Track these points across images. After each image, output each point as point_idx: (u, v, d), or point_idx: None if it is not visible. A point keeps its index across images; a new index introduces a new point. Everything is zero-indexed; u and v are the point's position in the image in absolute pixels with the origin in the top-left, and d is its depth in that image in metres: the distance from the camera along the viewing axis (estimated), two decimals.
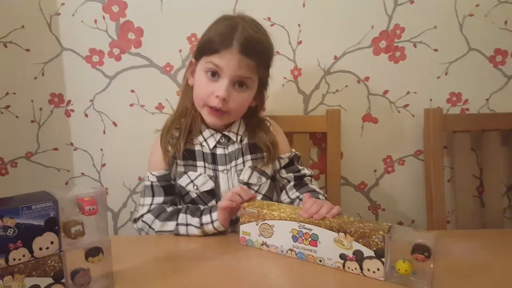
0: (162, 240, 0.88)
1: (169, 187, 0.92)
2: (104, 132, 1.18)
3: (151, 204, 0.89)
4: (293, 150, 1.01)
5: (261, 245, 0.79)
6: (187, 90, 0.94)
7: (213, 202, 0.91)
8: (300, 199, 0.94)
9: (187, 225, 0.85)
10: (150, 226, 0.87)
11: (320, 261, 0.72)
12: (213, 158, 0.92)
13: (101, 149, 1.20)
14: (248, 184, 0.91)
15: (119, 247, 0.68)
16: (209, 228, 0.84)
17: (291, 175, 0.97)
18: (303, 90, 1.18)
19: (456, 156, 1.16)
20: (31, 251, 0.57)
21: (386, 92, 1.18)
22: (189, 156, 0.92)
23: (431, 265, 0.61)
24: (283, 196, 0.98)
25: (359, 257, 0.67)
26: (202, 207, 0.88)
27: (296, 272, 0.71)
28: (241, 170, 0.92)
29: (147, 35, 1.13)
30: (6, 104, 1.16)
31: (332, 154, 1.15)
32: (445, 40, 1.15)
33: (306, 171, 0.99)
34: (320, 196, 0.93)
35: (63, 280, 0.60)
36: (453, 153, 1.16)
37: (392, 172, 1.23)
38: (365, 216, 1.25)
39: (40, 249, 0.57)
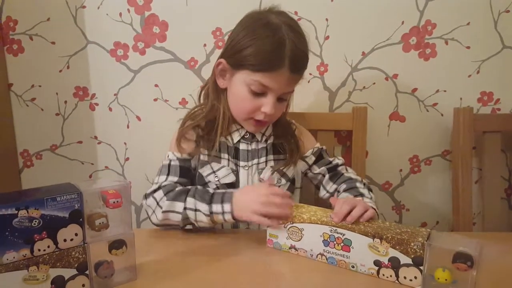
0: (184, 234, 0.88)
1: (185, 170, 0.89)
2: (128, 127, 1.18)
3: (164, 181, 0.86)
4: (318, 144, 0.99)
5: (289, 248, 0.77)
6: (216, 91, 0.89)
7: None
8: (339, 191, 0.92)
9: (195, 210, 0.80)
10: (158, 203, 0.82)
11: (353, 267, 0.70)
12: (236, 153, 0.90)
13: (125, 143, 1.20)
14: None
15: (142, 240, 0.70)
16: (218, 218, 0.79)
17: (323, 168, 0.96)
18: (329, 86, 1.16)
19: (485, 157, 1.13)
20: (55, 242, 0.57)
21: (415, 90, 1.15)
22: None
23: (474, 274, 0.59)
24: (322, 192, 0.96)
25: (395, 264, 0.65)
26: (211, 190, 0.84)
27: (327, 277, 0.70)
28: (263, 169, 0.91)
29: (172, 29, 1.12)
30: (31, 97, 1.17)
31: (357, 153, 1.13)
32: (478, 37, 1.11)
33: (337, 160, 0.97)
34: (358, 184, 0.91)
35: (87, 272, 0.60)
36: (482, 154, 1.13)
37: (418, 172, 1.20)
38: (388, 216, 1.23)
39: (65, 240, 0.58)
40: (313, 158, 0.96)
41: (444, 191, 1.20)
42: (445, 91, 1.15)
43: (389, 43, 1.12)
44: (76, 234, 0.59)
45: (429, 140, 1.18)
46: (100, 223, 0.61)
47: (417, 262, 0.63)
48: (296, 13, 1.10)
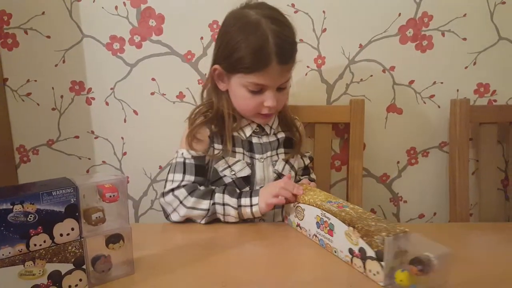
0: (183, 228, 0.88)
1: (201, 168, 0.90)
2: (125, 121, 1.18)
3: (182, 181, 0.87)
4: (309, 152, 1.07)
5: (296, 226, 0.83)
6: (217, 93, 0.91)
7: (247, 188, 0.91)
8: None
9: (224, 204, 0.84)
10: (181, 202, 0.84)
11: (335, 252, 0.72)
12: (250, 146, 0.92)
13: (122, 138, 1.19)
14: (280, 175, 0.93)
15: (140, 235, 0.69)
16: (246, 211, 0.83)
17: (307, 177, 1.04)
18: (327, 79, 1.16)
19: (482, 148, 1.13)
20: (52, 237, 0.57)
21: (411, 82, 1.15)
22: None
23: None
24: None
25: (363, 255, 0.64)
26: (238, 190, 0.88)
27: (313, 262, 0.72)
28: (276, 161, 0.94)
29: (168, 22, 1.11)
30: (27, 92, 1.16)
31: (354, 145, 1.13)
32: (475, 28, 1.11)
33: (313, 176, 1.06)
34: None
35: (84, 266, 0.60)
36: (479, 145, 1.13)
37: (415, 164, 1.21)
38: (386, 208, 1.24)
39: (61, 235, 0.58)
40: (308, 161, 1.02)
41: (441, 183, 1.20)
42: (442, 83, 1.15)
43: (386, 35, 1.12)
44: (72, 229, 0.59)
45: (426, 132, 1.18)
46: (96, 217, 0.61)
47: (379, 257, 0.61)
48: (293, 5, 1.09)
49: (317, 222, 0.76)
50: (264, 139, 0.93)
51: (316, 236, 0.77)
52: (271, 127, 0.95)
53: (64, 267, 0.59)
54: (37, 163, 1.20)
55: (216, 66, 0.87)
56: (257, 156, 0.92)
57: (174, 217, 0.86)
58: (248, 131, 0.92)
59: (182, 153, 0.90)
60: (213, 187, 0.88)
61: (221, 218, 0.85)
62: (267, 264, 0.71)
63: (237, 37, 0.82)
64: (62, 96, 1.16)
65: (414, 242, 0.61)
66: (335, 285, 0.64)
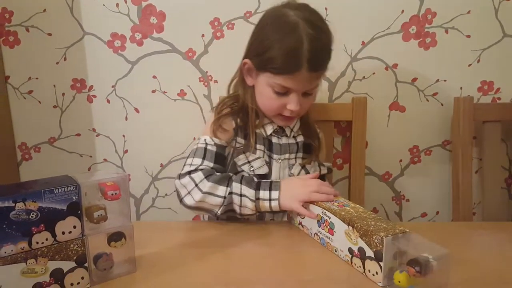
0: (184, 226, 0.89)
1: (221, 157, 0.89)
2: (126, 119, 1.18)
3: (200, 165, 0.85)
4: (330, 164, 1.03)
5: (298, 224, 0.83)
6: (244, 87, 0.90)
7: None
8: None
9: (241, 195, 0.81)
10: (197, 185, 0.81)
11: (335, 251, 0.71)
12: (270, 145, 0.92)
13: (123, 136, 1.19)
14: None
15: (142, 233, 0.69)
16: (264, 205, 0.81)
17: None
18: (329, 76, 1.15)
19: (486, 146, 1.12)
20: (54, 235, 0.57)
21: (414, 79, 1.14)
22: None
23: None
24: None
25: (362, 255, 0.64)
26: (256, 179, 0.85)
27: (314, 261, 0.72)
28: (293, 164, 0.93)
29: (169, 19, 1.11)
30: (28, 89, 1.16)
31: (356, 144, 1.12)
32: (479, 25, 1.10)
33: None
34: None
35: (86, 264, 0.60)
36: (483, 144, 1.13)
37: (418, 162, 1.20)
38: (388, 207, 1.23)
39: (63, 233, 0.58)
40: (325, 171, 0.99)
41: (444, 181, 1.20)
42: (445, 80, 1.14)
43: (389, 32, 1.11)
44: (74, 227, 0.59)
45: (429, 130, 1.18)
46: (98, 215, 0.61)
47: (378, 257, 0.61)
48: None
49: (318, 221, 0.75)
50: (284, 140, 0.92)
51: (317, 234, 0.76)
52: (291, 130, 0.94)
53: (66, 265, 0.59)
54: (39, 160, 1.20)
55: (247, 60, 0.86)
56: (275, 156, 0.91)
57: (188, 200, 0.82)
58: (269, 130, 0.91)
59: (205, 139, 0.89)
60: (230, 174, 0.86)
61: (237, 209, 0.82)
62: (269, 262, 0.71)
63: (272, 36, 0.81)
64: (63, 94, 1.16)
65: (413, 242, 0.60)
66: (335, 285, 0.64)
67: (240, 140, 0.90)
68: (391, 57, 1.13)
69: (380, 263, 0.60)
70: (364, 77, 1.14)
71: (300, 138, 0.95)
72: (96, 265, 0.62)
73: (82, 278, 0.60)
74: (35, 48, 1.12)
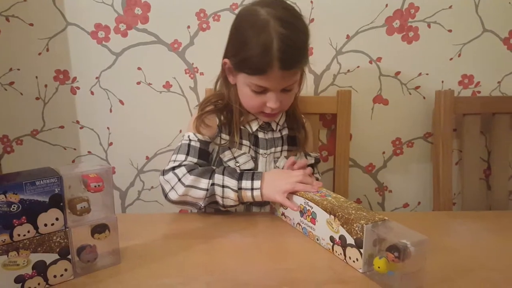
0: (169, 218, 0.89)
1: (204, 153, 0.89)
2: (110, 111, 1.17)
3: (183, 161, 0.86)
4: (318, 154, 1.05)
5: (281, 215, 0.84)
6: (227, 86, 0.91)
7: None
8: None
9: (223, 186, 0.81)
10: (180, 179, 0.82)
11: (317, 239, 0.73)
12: (256, 141, 0.93)
13: (108, 128, 1.18)
14: None
15: (127, 225, 0.69)
16: (246, 194, 0.81)
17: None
18: (314, 70, 1.16)
19: (465, 138, 1.15)
20: (36, 227, 0.57)
21: (398, 73, 1.16)
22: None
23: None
24: None
25: (343, 242, 0.66)
26: (238, 170, 0.86)
27: (297, 250, 0.73)
28: (278, 157, 0.94)
29: (154, 10, 1.10)
30: (10, 81, 1.13)
31: (341, 136, 1.14)
32: (460, 20, 1.13)
33: (317, 175, 1.02)
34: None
35: (69, 256, 0.60)
36: (463, 136, 1.16)
37: (400, 154, 1.22)
38: (372, 197, 1.26)
39: (45, 225, 0.58)
40: (312, 161, 1.00)
41: (425, 173, 1.23)
42: (427, 74, 1.16)
43: (373, 26, 1.12)
44: (57, 219, 0.58)
45: (411, 122, 1.20)
46: (81, 208, 0.61)
47: (358, 244, 0.63)
48: None
49: (300, 211, 0.77)
50: (270, 135, 0.94)
51: (299, 224, 0.78)
52: (277, 123, 0.95)
53: (49, 257, 0.59)
54: (21, 153, 1.18)
55: (226, 60, 0.87)
56: (261, 151, 0.92)
57: (172, 195, 0.83)
58: (254, 126, 0.93)
59: (189, 136, 0.90)
60: (213, 167, 0.87)
61: (220, 200, 0.82)
62: (253, 252, 0.72)
63: (244, 37, 0.81)
64: (46, 85, 1.14)
65: (392, 230, 0.62)
66: (317, 272, 0.65)
67: (225, 136, 0.91)
68: (375, 50, 1.14)
69: (361, 250, 0.62)
70: (348, 71, 1.16)
71: (285, 131, 0.96)
72: (79, 257, 0.62)
73: (66, 270, 0.60)
74: (16, 39, 1.10)
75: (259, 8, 0.80)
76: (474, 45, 1.14)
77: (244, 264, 0.67)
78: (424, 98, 1.18)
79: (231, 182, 0.82)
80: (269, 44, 0.76)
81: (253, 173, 0.84)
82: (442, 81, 1.17)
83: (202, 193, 0.82)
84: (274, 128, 0.94)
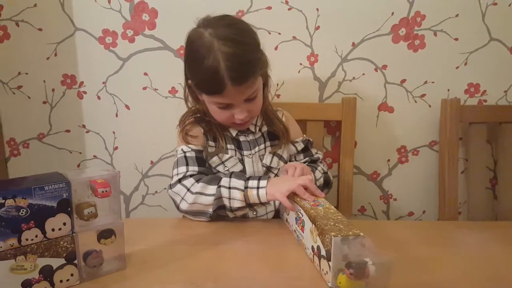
0: (174, 223, 0.90)
1: (202, 160, 0.91)
2: (116, 115, 1.17)
3: (187, 171, 0.87)
4: (305, 136, 1.04)
5: (285, 221, 0.85)
6: (198, 101, 0.93)
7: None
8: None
9: (230, 188, 0.82)
10: (188, 189, 0.84)
11: (306, 248, 0.72)
12: (238, 144, 0.94)
13: (114, 132, 1.19)
14: (270, 168, 0.95)
15: (132, 230, 0.69)
16: (252, 193, 0.81)
17: (307, 159, 1.02)
18: (319, 77, 1.16)
19: (471, 147, 1.15)
20: (43, 232, 0.57)
21: (403, 81, 1.16)
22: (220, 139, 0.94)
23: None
24: None
25: (319, 253, 0.64)
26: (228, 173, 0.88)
27: (297, 257, 0.72)
28: (263, 155, 0.95)
29: (162, 16, 1.11)
30: (18, 84, 1.14)
31: (346, 143, 1.14)
32: (466, 29, 1.13)
33: (319, 155, 1.04)
34: (319, 168, 1.00)
35: (76, 261, 0.61)
36: (468, 145, 1.15)
37: (405, 162, 1.22)
38: (376, 205, 1.25)
39: (53, 230, 0.58)
40: (302, 146, 1.01)
41: (430, 181, 1.22)
42: (433, 82, 1.16)
43: (379, 34, 1.12)
44: (64, 224, 0.59)
45: (416, 131, 1.20)
46: (89, 213, 0.61)
47: (328, 256, 0.60)
48: (287, 2, 1.10)
49: (295, 218, 0.77)
50: (251, 136, 0.95)
51: (295, 231, 0.78)
52: (255, 125, 0.96)
53: (55, 262, 0.59)
54: (28, 156, 1.19)
55: (189, 81, 0.89)
56: (245, 152, 0.93)
57: (183, 205, 0.84)
58: (234, 131, 0.94)
59: (182, 149, 0.91)
60: (221, 176, 0.87)
61: (227, 202, 0.82)
62: (257, 260, 0.72)
63: (194, 62, 0.84)
64: (53, 90, 1.15)
65: (361, 247, 0.59)
66: (298, 281, 0.64)
67: (211, 143, 0.92)
68: (381, 58, 1.14)
69: (329, 262, 0.60)
70: (354, 78, 1.16)
71: (264, 128, 0.97)
72: (85, 262, 0.62)
73: (72, 275, 0.60)
74: (25, 43, 1.11)
75: (203, 31, 0.82)
76: (481, 54, 1.14)
77: (248, 271, 0.67)
78: (429, 106, 1.18)
79: (238, 183, 0.82)
80: (216, 66, 0.78)
81: (260, 176, 0.85)
82: (448, 90, 1.17)
83: (210, 199, 0.82)
84: (253, 130, 0.95)
